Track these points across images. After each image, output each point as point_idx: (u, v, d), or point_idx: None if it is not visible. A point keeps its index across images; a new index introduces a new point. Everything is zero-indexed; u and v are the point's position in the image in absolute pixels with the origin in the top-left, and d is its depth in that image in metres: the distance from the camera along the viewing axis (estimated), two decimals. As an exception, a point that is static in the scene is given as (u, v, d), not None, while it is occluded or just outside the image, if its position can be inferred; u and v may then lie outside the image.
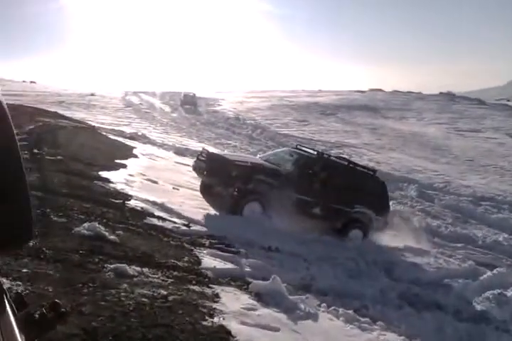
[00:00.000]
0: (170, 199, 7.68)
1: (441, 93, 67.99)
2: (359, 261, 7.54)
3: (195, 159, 9.86)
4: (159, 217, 6.35)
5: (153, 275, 3.97)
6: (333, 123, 36.65)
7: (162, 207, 7.03)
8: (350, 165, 9.95)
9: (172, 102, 41.23)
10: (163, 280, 3.93)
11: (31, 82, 70.31)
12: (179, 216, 6.85)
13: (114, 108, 33.06)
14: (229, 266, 5.00)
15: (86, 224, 4.80)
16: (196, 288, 3.97)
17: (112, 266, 3.85)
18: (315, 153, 9.93)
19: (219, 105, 42.87)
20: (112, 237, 4.66)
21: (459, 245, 11.46)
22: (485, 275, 8.67)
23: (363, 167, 10.61)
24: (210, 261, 4.96)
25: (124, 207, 6.26)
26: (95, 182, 7.49)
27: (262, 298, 4.17)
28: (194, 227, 6.44)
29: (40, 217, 4.84)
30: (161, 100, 43.20)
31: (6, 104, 0.79)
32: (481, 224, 14.39)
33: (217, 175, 8.53)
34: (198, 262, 4.81)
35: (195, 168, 9.29)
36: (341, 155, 12.24)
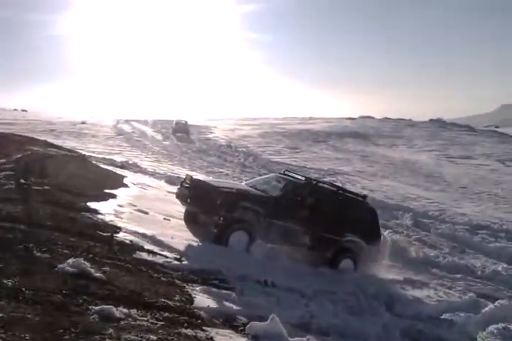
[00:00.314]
0: (161, 231, 7.37)
1: (431, 120, 68.77)
2: (359, 296, 7.23)
3: (178, 186, 9.49)
4: (149, 251, 6.04)
5: (142, 318, 3.65)
6: (325, 150, 36.69)
7: (152, 239, 6.71)
8: (339, 191, 9.59)
9: (164, 130, 41.18)
10: (152, 323, 3.61)
11: (22, 110, 70.29)
12: (170, 249, 6.55)
13: (105, 136, 32.86)
14: (223, 304, 4.68)
15: (70, 260, 4.48)
16: (188, 331, 3.64)
17: (96, 308, 3.53)
18: (303, 178, 9.58)
19: (211, 133, 42.90)
20: (98, 274, 4.35)
21: (458, 276, 11.18)
22: (487, 308, 8.37)
23: (353, 193, 10.23)
24: (203, 299, 4.64)
25: (112, 241, 5.94)
26: (83, 213, 7.19)
27: (261, 341, 3.86)
28: (186, 261, 6.11)
29: (21, 253, 4.54)
30: (152, 128, 43.15)
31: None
32: (478, 253, 14.13)
33: (201, 203, 8.17)
34: (191, 301, 4.50)
35: (179, 196, 8.89)
36: (330, 182, 11.83)
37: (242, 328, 4.11)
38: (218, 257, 6.90)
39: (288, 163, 26.95)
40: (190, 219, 8.83)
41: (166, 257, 6.07)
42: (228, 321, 4.28)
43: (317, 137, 44.91)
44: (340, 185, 12.12)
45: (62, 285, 3.90)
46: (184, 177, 9.43)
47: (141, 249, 6.07)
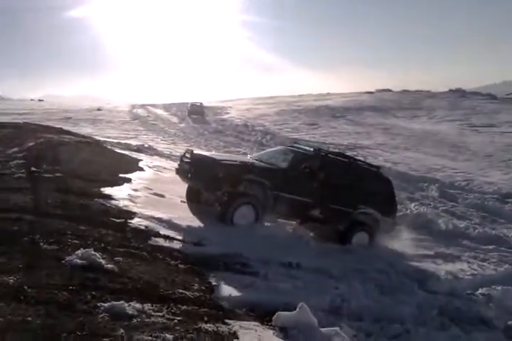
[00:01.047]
0: (177, 215, 7.03)
1: (450, 90, 67.02)
2: (390, 273, 6.82)
3: (178, 162, 8.92)
4: (166, 236, 5.69)
5: (157, 314, 3.31)
6: (344, 125, 35.93)
7: (169, 223, 6.36)
8: (351, 162, 9.03)
9: (179, 113, 40.89)
10: (168, 318, 3.27)
11: (39, 100, 70.85)
12: (188, 233, 6.19)
13: (120, 121, 32.68)
14: (247, 292, 4.32)
15: (80, 252, 4.16)
16: (209, 326, 3.29)
17: (106, 305, 3.20)
18: (312, 149, 8.93)
19: (226, 113, 42.45)
20: (110, 266, 4.01)
21: (491, 247, 10.66)
22: (525, 280, 7.92)
23: (366, 163, 9.71)
24: (224, 287, 4.29)
25: (125, 227, 5.61)
26: (95, 200, 6.86)
27: (289, 333, 3.50)
28: (205, 246, 5.76)
29: (27, 246, 4.23)
30: (168, 111, 42.88)
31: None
32: (510, 222, 13.55)
33: (202, 178, 7.61)
34: (211, 290, 4.15)
35: (179, 171, 8.32)
36: (341, 152, 10.85)
37: (268, 318, 3.75)
38: (238, 239, 6.55)
39: (306, 140, 26.37)
40: (193, 198, 8.39)
41: (184, 242, 5.73)
42: (252, 311, 3.93)
43: (335, 112, 44.06)
44: (352, 155, 11.14)
45: (68, 281, 3.57)
46: (184, 151, 8.77)
47: (157, 234, 5.73)
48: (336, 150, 20.81)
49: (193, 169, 7.81)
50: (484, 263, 9.45)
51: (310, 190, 8.08)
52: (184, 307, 3.55)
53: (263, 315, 3.85)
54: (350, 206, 8.59)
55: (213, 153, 10.29)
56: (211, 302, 3.85)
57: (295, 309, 4.10)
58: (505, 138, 31.00)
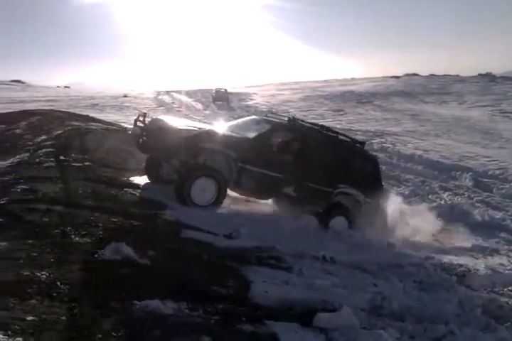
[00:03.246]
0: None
1: (480, 74, 65.13)
2: (427, 268, 6.55)
3: (132, 126, 8.07)
4: (197, 228, 5.55)
5: (193, 313, 3.15)
6: (371, 111, 35.22)
7: (199, 214, 6.22)
8: (331, 135, 8.13)
9: (204, 99, 40.76)
10: (204, 318, 3.11)
11: (65, 87, 71.57)
12: (219, 224, 6.03)
13: (146, 108, 32.69)
14: (283, 289, 4.14)
15: (112, 245, 4.03)
16: (247, 327, 3.13)
17: (141, 304, 3.06)
18: (286, 119, 8.07)
19: (251, 99, 42.14)
20: (142, 261, 3.87)
21: (531, 239, 10.27)
22: None
23: (349, 138, 8.73)
24: (260, 283, 4.11)
25: (156, 219, 5.49)
26: (125, 189, 6.77)
27: (330, 335, 3.31)
28: (237, 238, 5.59)
29: (58, 239, 4.14)
30: (192, 98, 42.76)
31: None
32: (548, 213, 13.03)
33: (156, 145, 6.82)
34: (247, 287, 3.97)
35: (131, 136, 7.69)
36: (320, 124, 9.37)
37: (307, 318, 3.56)
38: (268, 231, 6.37)
39: (333, 127, 25.93)
40: (152, 173, 7.60)
41: (215, 234, 5.57)
42: (291, 310, 3.74)
43: (361, 98, 43.27)
44: (332, 128, 9.70)
45: (102, 277, 3.45)
46: (137, 114, 7.87)
47: (189, 226, 5.59)
48: (375, 141, 20.41)
49: (145, 134, 7.14)
50: (525, 257, 9.09)
51: (282, 164, 7.23)
52: (221, 305, 3.39)
53: (302, 315, 3.66)
54: (329, 185, 7.74)
55: (173, 118, 8.71)
56: (248, 300, 3.68)
57: (334, 307, 3.92)
58: (540, 125, 29.94)
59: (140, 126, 7.38)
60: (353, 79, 68.05)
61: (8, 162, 7.64)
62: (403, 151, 19.44)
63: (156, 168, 7.56)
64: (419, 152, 19.19)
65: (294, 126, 7.81)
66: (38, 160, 7.86)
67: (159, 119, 7.57)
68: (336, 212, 7.88)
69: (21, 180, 6.15)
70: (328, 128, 8.62)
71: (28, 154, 8.37)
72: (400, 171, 16.24)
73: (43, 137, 10.71)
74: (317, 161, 7.55)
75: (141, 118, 7.48)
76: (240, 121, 8.68)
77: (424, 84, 55.41)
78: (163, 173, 7.56)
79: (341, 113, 34.26)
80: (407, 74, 70.60)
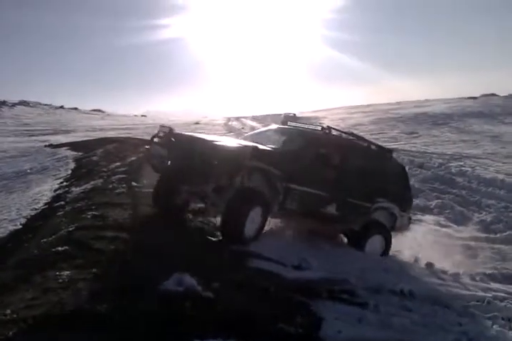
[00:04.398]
0: (281, 229, 6.62)
1: None
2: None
3: (148, 146, 6.88)
4: (264, 258, 5.30)
5: (258, 355, 2.89)
6: (448, 133, 33.64)
7: (265, 242, 5.95)
8: (366, 144, 7.34)
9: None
10: (271, 362, 2.84)
11: (142, 115, 75.16)
12: (286, 254, 5.73)
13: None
14: (358, 328, 3.77)
15: (176, 276, 3.89)
16: (318, 374, 2.82)
17: (202, 343, 2.85)
18: (319, 128, 7.00)
19: (321, 124, 41.78)
20: (206, 294, 3.68)
21: None
22: None
23: (377, 145, 7.75)
24: (332, 321, 3.77)
25: (224, 248, 5.31)
26: (192, 216, 6.69)
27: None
28: (306, 269, 5.28)
29: (123, 267, 4.06)
30: (262, 123, 43.21)
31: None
32: None
33: (185, 166, 5.69)
34: (317, 325, 3.65)
35: (150, 157, 6.41)
36: (350, 131, 8.62)
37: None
38: (339, 260, 5.98)
39: (407, 149, 24.94)
40: (164, 199, 6.30)
41: (284, 265, 5.29)
42: (366, 353, 3.37)
43: (436, 120, 41.58)
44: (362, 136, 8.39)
45: (163, 309, 3.29)
46: (157, 130, 6.46)
47: (257, 255, 5.35)
48: (452, 164, 19.28)
49: (173, 153, 5.90)
50: None
51: (325, 180, 6.30)
52: (288, 347, 3.10)
53: (379, 360, 3.28)
54: (367, 199, 6.91)
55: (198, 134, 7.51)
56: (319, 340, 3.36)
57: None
58: None
59: (162, 144, 6.17)
60: (427, 100, 65.94)
61: (82, 188, 7.88)
62: (483, 175, 18.21)
63: (171, 193, 6.22)
64: (501, 176, 17.86)
65: (330, 135, 6.88)
66: (110, 186, 8.05)
67: (184, 134, 6.61)
68: (374, 230, 7.08)
69: (93, 206, 6.27)
70: (360, 137, 7.85)
71: (101, 180, 8.61)
72: (481, 196, 15.15)
73: (117, 163, 11.07)
74: (357, 173, 6.76)
75: (161, 134, 6.25)
76: (262, 131, 7.78)
77: (503, 105, 52.43)
78: (179, 200, 6.32)
79: (415, 135, 32.98)
80: (484, 95, 67.44)
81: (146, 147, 7.01)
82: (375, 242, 7.02)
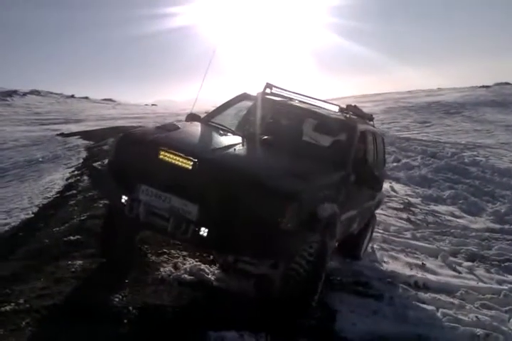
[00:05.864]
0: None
1: None
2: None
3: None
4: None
5: (274, 348, 2.84)
6: (461, 122, 33.14)
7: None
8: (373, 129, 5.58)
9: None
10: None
11: (152, 104, 75.10)
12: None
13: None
14: (374, 321, 3.70)
15: (188, 266, 3.86)
16: (334, 368, 2.76)
17: (216, 335, 2.81)
18: (336, 108, 4.87)
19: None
20: (218, 283, 3.64)
21: None
22: None
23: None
24: (347, 314, 3.71)
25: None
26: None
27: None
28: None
29: (135, 258, 4.02)
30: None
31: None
32: None
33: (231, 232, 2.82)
34: (332, 317, 3.59)
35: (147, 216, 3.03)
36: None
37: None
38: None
39: (419, 139, 24.61)
40: (109, 244, 3.74)
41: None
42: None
43: (449, 109, 40.97)
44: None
45: (174, 300, 3.25)
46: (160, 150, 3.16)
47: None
48: (465, 154, 18.89)
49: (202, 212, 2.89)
50: None
51: (358, 194, 4.44)
52: (304, 340, 3.04)
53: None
54: (371, 197, 5.40)
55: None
56: (333, 334, 3.31)
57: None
58: None
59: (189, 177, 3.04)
60: (439, 89, 65.03)
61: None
62: (497, 165, 17.92)
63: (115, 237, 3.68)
64: (516, 167, 17.60)
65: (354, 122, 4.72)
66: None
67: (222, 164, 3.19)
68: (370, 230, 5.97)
69: (104, 195, 6.22)
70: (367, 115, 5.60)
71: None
72: (495, 186, 14.91)
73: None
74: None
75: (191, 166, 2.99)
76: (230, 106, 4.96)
77: (518, 94, 51.71)
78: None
79: (427, 124, 32.55)
80: (497, 84, 66.41)
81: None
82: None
